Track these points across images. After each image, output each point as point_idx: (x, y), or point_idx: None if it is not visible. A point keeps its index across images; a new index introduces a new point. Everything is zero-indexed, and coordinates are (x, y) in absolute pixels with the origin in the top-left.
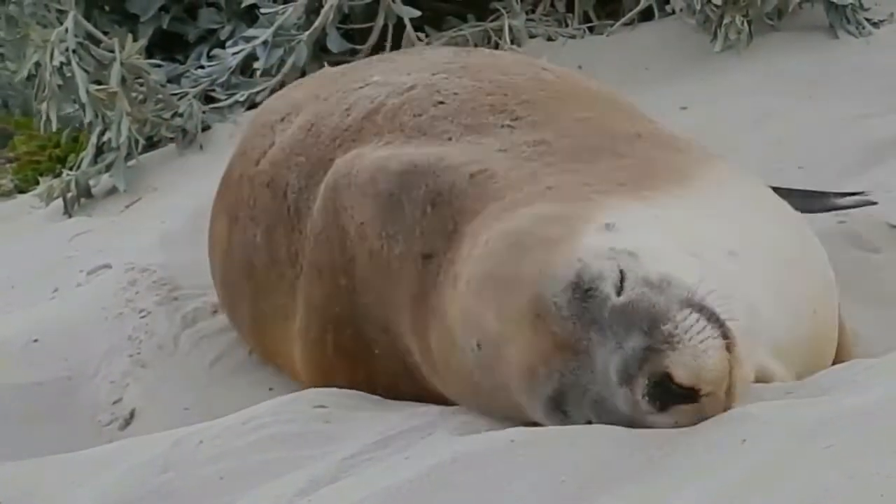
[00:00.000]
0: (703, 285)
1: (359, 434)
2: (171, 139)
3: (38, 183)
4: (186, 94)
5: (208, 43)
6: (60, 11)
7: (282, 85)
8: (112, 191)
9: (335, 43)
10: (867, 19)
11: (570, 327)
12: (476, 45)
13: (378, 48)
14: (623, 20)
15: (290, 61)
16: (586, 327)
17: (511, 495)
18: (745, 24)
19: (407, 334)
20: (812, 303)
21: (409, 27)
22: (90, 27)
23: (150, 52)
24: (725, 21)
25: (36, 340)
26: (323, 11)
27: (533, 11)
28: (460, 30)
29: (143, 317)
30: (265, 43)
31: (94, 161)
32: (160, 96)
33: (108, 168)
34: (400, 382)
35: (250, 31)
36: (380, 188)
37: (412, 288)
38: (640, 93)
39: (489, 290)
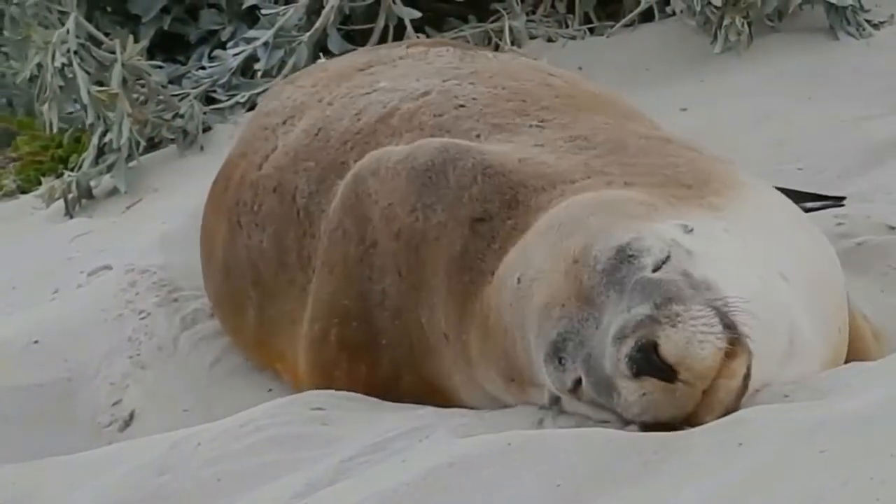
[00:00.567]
0: (745, 305)
1: (356, 436)
2: (172, 140)
3: (40, 183)
4: (187, 95)
5: (209, 44)
6: (62, 13)
7: None
8: (113, 192)
9: (336, 44)
10: (867, 21)
11: (597, 280)
12: (477, 46)
13: None
14: (623, 21)
15: (290, 62)
16: (609, 286)
17: (507, 498)
18: (746, 25)
19: (438, 305)
20: (837, 321)
21: (409, 28)
22: (91, 28)
23: (151, 52)
24: (725, 22)
25: (36, 342)
26: (324, 13)
27: (533, 12)
28: (461, 31)
29: (142, 318)
30: (266, 44)
31: (96, 162)
32: (161, 97)
33: (110, 169)
34: (403, 373)
35: (251, 33)
36: (418, 162)
37: (452, 253)
38: (641, 94)
39: (552, 232)
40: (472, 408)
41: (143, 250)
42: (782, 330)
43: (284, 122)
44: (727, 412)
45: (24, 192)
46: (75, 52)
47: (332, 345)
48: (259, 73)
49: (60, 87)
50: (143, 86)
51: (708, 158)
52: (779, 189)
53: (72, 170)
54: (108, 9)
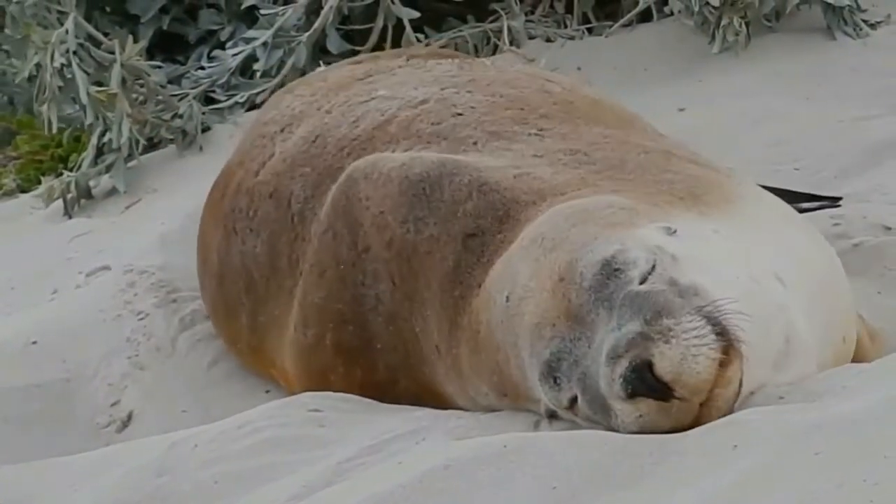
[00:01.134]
0: (734, 305)
1: (353, 438)
2: (171, 140)
3: (40, 182)
4: (186, 95)
5: (208, 44)
6: (61, 13)
7: (282, 86)
8: (112, 192)
9: (335, 44)
10: (864, 21)
11: (585, 298)
12: (475, 46)
13: (378, 49)
14: (622, 21)
15: (289, 62)
16: (598, 303)
17: (503, 501)
18: (743, 25)
19: (431, 317)
20: (841, 330)
21: (408, 28)
22: (90, 28)
23: (150, 53)
24: (723, 23)
25: (35, 342)
26: (323, 13)
27: (532, 12)
28: (460, 31)
29: (141, 319)
30: (265, 44)
31: (95, 162)
32: (160, 97)
33: (109, 169)
34: (399, 377)
35: (250, 33)
36: (413, 172)
37: (444, 267)
38: (639, 94)
39: (535, 247)
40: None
41: (141, 251)
42: (777, 330)
43: (282, 130)
44: (723, 416)
45: (23, 191)
46: (74, 53)
47: (328, 349)
48: (258, 74)
49: (59, 88)
50: (142, 86)
51: (707, 171)
52: (775, 189)
53: (71, 169)
54: (107, 9)
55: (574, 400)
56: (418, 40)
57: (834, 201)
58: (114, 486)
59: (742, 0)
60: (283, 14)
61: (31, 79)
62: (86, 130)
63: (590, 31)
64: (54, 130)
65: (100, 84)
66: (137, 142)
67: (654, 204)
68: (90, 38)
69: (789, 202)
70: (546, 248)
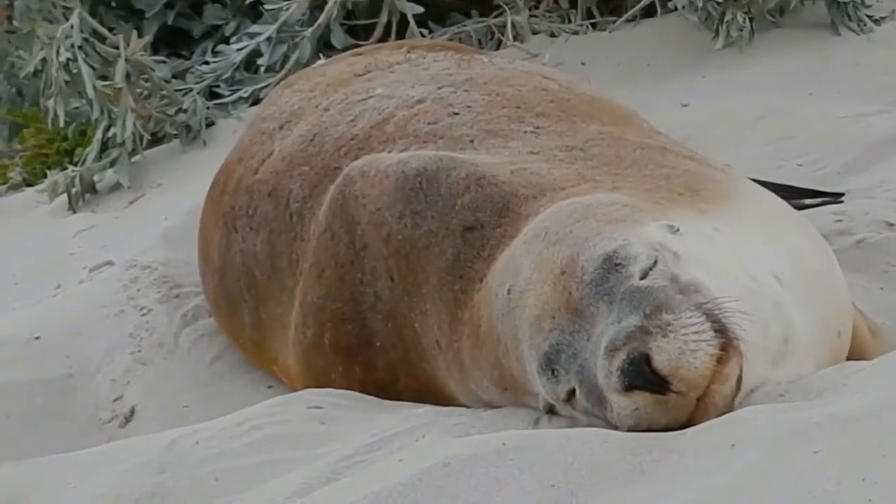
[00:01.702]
0: (735, 304)
1: (353, 435)
2: (176, 135)
3: (45, 176)
4: (191, 90)
5: (213, 39)
6: (66, 8)
7: None
8: (116, 186)
9: (339, 39)
10: (868, 16)
11: (585, 291)
12: (479, 41)
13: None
14: (625, 17)
15: (293, 57)
16: (598, 296)
17: (502, 499)
18: (747, 20)
19: (431, 312)
20: (837, 325)
21: (412, 23)
22: (95, 24)
23: (155, 47)
24: (727, 18)
25: (38, 338)
26: (327, 8)
27: (536, 7)
28: (463, 26)
29: (143, 314)
30: (269, 39)
31: (99, 157)
32: (164, 92)
33: (113, 164)
34: (399, 374)
35: (254, 28)
36: (409, 167)
37: (443, 261)
38: (642, 89)
39: (538, 241)
40: (469, 407)
41: (144, 246)
42: (776, 328)
43: (281, 127)
44: (721, 414)
45: (29, 184)
46: (79, 48)
47: (327, 348)
48: (262, 69)
49: (65, 83)
50: (146, 81)
51: (704, 167)
52: (778, 185)
53: (76, 164)
54: (112, 4)
55: (572, 393)
56: (422, 35)
57: (836, 197)
58: (114, 483)
59: None
60: (287, 9)
61: (36, 73)
62: (91, 125)
63: (593, 26)
64: (60, 125)
65: (105, 79)
66: (142, 137)
67: (655, 201)
68: (95, 33)
69: (792, 198)
70: (549, 242)
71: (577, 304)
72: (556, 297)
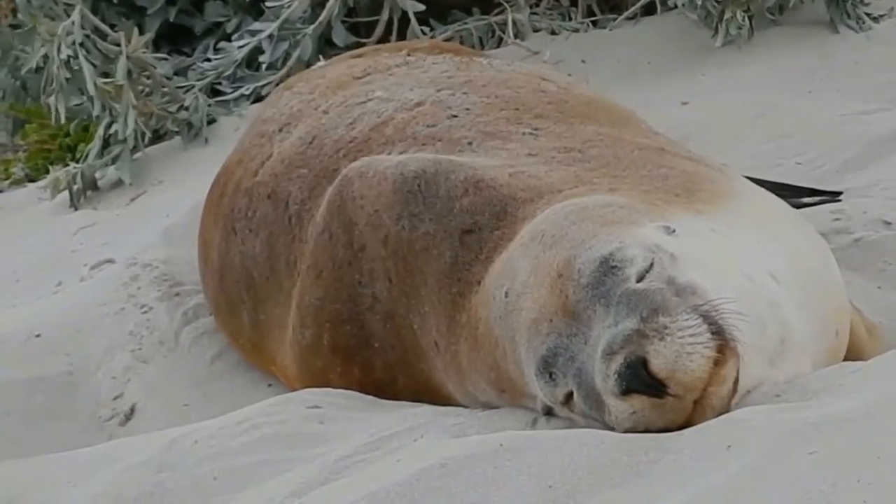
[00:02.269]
0: (731, 305)
1: (351, 435)
2: (177, 132)
3: (48, 172)
4: (192, 87)
5: (215, 36)
6: (68, 4)
7: (287, 78)
8: (118, 183)
9: (340, 36)
10: (867, 14)
11: (582, 294)
12: (481, 39)
13: (383, 42)
14: (626, 14)
15: (295, 55)
16: (595, 299)
17: (499, 499)
18: (746, 19)
19: (429, 314)
20: (835, 324)
21: (413, 21)
22: (97, 21)
23: (156, 44)
24: (726, 16)
25: (38, 335)
26: (328, 5)
27: (537, 5)
28: (465, 23)
29: (144, 312)
30: (271, 36)
31: (101, 154)
32: (166, 89)
33: (115, 161)
34: (397, 374)
35: (256, 25)
36: (408, 170)
37: (441, 264)
38: (642, 87)
39: (534, 244)
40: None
41: (145, 244)
42: (772, 329)
43: (281, 130)
44: (718, 415)
45: (32, 180)
46: (81, 45)
47: (325, 349)
48: (264, 66)
49: (66, 80)
50: (148, 78)
51: (701, 167)
52: (776, 184)
53: (79, 160)
54: (114, 0)
55: (570, 396)
56: (423, 33)
57: (834, 196)
58: (113, 482)
59: None
60: (288, 6)
61: (38, 70)
62: (93, 121)
63: (594, 24)
64: (62, 122)
65: (106, 76)
66: (143, 134)
67: (652, 203)
68: (96, 30)
69: (790, 197)
70: (545, 245)
71: (573, 307)
72: (553, 301)
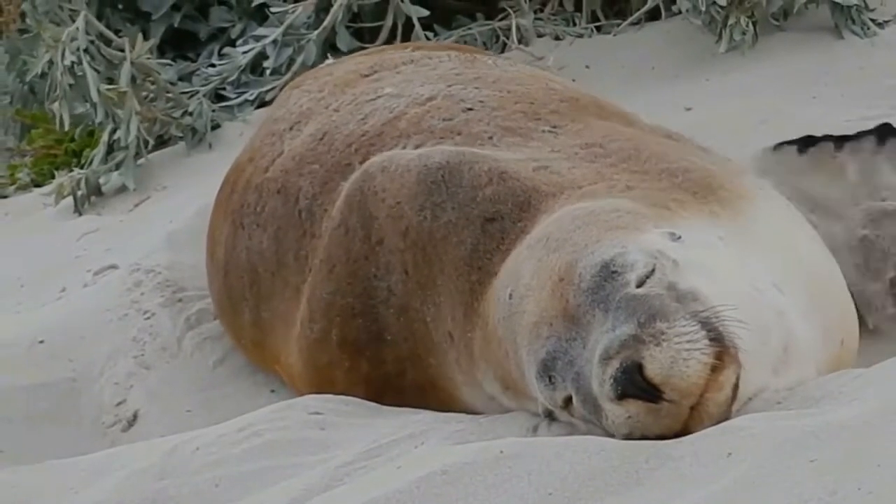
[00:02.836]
0: (733, 312)
1: (353, 442)
2: (181, 138)
3: (53, 177)
4: (196, 92)
5: (219, 41)
6: (73, 10)
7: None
8: (122, 189)
9: (345, 42)
10: (872, 20)
11: (582, 299)
12: (485, 44)
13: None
14: (630, 20)
15: (299, 60)
16: (595, 304)
17: None
18: (751, 24)
19: (445, 304)
20: (840, 334)
21: (417, 26)
22: (101, 27)
23: (161, 49)
24: (731, 22)
25: (42, 341)
26: (332, 10)
27: (541, 10)
28: (469, 28)
29: (147, 318)
30: (275, 42)
31: (105, 159)
32: (170, 95)
33: (119, 166)
34: (406, 368)
35: (260, 30)
36: (432, 161)
37: (461, 251)
38: (646, 92)
39: (539, 246)
40: (471, 407)
41: (149, 250)
42: (776, 337)
43: (291, 128)
44: (718, 422)
45: (37, 185)
46: (85, 51)
47: (333, 344)
48: (268, 71)
49: (70, 86)
50: (152, 83)
51: (720, 167)
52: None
53: (84, 165)
54: (119, 6)
55: (569, 399)
56: (427, 38)
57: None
58: (115, 489)
59: None
60: (293, 12)
61: (43, 75)
62: (97, 127)
63: (598, 29)
64: (66, 128)
65: (110, 81)
66: (147, 140)
67: (665, 206)
68: (101, 35)
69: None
70: (549, 249)
71: (573, 311)
72: (553, 304)
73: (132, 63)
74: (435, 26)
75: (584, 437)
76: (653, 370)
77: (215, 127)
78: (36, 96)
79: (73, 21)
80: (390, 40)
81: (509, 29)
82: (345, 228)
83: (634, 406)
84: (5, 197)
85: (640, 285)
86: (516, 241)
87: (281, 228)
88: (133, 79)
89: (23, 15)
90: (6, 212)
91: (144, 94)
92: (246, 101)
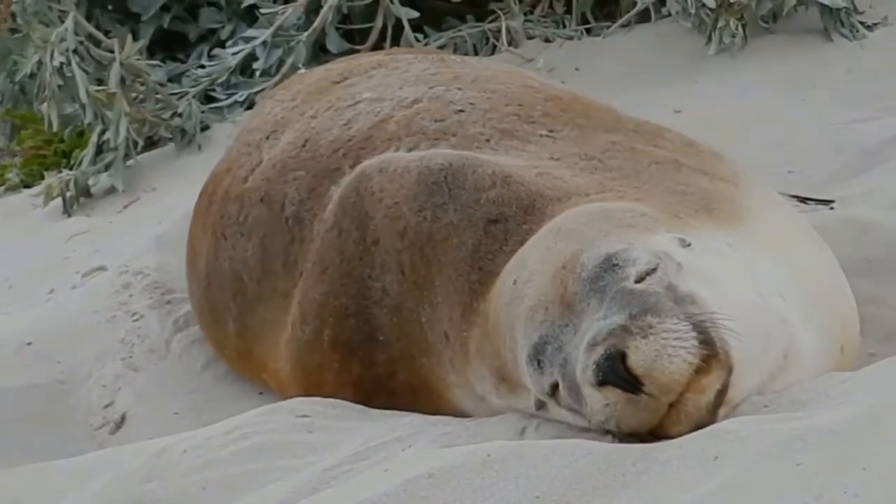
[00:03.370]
0: (731, 322)
1: (340, 445)
2: (170, 139)
3: (43, 177)
4: (186, 93)
5: (209, 42)
6: (62, 11)
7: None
8: (111, 190)
9: (334, 43)
10: (861, 22)
11: (580, 287)
12: (474, 46)
13: (377, 49)
14: (620, 22)
15: (289, 62)
16: (591, 293)
17: None
18: (740, 27)
19: (442, 304)
20: (840, 340)
21: (407, 28)
22: (90, 28)
23: (151, 50)
24: (720, 24)
25: (30, 343)
26: (322, 12)
27: (531, 12)
28: (459, 31)
29: (135, 320)
30: (265, 43)
31: (94, 160)
32: (159, 96)
33: (108, 168)
34: (398, 369)
35: (250, 32)
36: (434, 163)
37: (462, 252)
38: (635, 94)
39: (549, 236)
40: (461, 409)
41: (137, 251)
42: (777, 343)
43: (268, 137)
44: (700, 425)
45: (27, 186)
46: (74, 51)
47: (325, 345)
48: (258, 73)
49: (59, 87)
50: (141, 84)
51: (717, 183)
52: None
53: (73, 166)
54: (109, 7)
55: (556, 386)
56: (417, 40)
57: (827, 203)
58: (101, 492)
59: (739, 2)
60: (283, 13)
61: (32, 76)
62: (87, 128)
63: (588, 31)
64: (55, 129)
65: (100, 82)
66: (136, 141)
67: (675, 214)
68: (90, 36)
69: None
70: (558, 238)
71: (570, 298)
72: (552, 290)
73: (121, 64)
74: (425, 28)
75: (572, 441)
76: (635, 361)
77: (205, 128)
78: (26, 96)
79: (63, 22)
80: (380, 42)
81: (499, 31)
82: (338, 230)
83: (613, 394)
84: None
85: (639, 281)
86: (521, 243)
87: (267, 236)
88: (122, 80)
89: (14, 15)
90: None
91: (134, 95)
92: (235, 102)
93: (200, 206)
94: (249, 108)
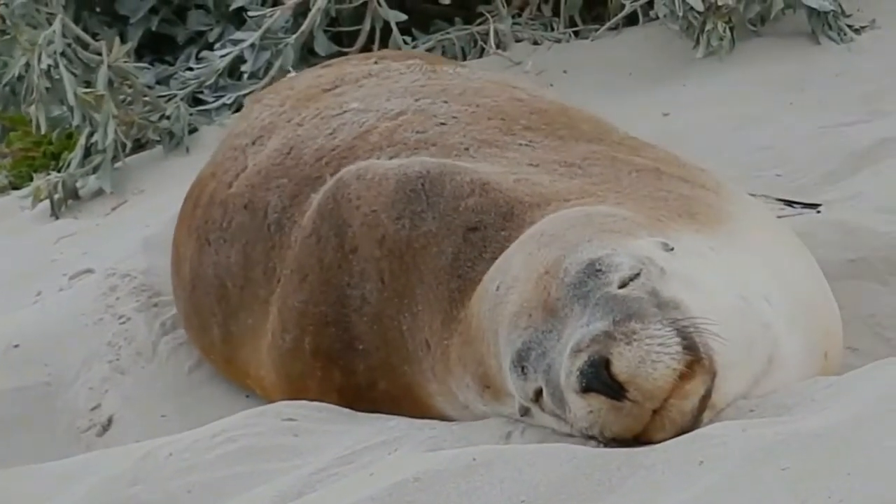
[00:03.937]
0: (714, 327)
1: (326, 448)
2: (158, 141)
3: (32, 179)
4: (174, 96)
5: (197, 45)
6: (50, 13)
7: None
8: (99, 192)
9: (322, 46)
10: (849, 26)
11: (563, 293)
12: (462, 49)
13: (365, 51)
14: (608, 25)
15: (277, 64)
16: (575, 299)
17: None
18: (728, 30)
19: (422, 312)
20: (824, 346)
21: (395, 31)
22: (78, 30)
23: (139, 53)
24: (708, 27)
25: (17, 346)
26: (310, 15)
27: (519, 15)
28: (447, 33)
29: (122, 323)
30: (253, 46)
31: (82, 163)
32: (147, 99)
33: (96, 170)
34: (378, 378)
35: (238, 34)
36: (412, 170)
37: (441, 261)
38: (623, 98)
39: (532, 241)
40: (445, 417)
41: (124, 254)
42: (761, 348)
43: (254, 143)
44: (684, 431)
45: (16, 188)
46: (61, 54)
47: (306, 353)
48: (246, 75)
49: (47, 89)
50: (129, 87)
51: (697, 190)
52: (756, 195)
53: (62, 168)
54: (97, 9)
55: (539, 392)
56: (405, 42)
57: (814, 207)
58: (87, 495)
59: (726, 5)
60: (270, 16)
61: (20, 78)
62: (75, 130)
63: (576, 34)
64: (42, 131)
65: (87, 85)
66: (124, 143)
67: (657, 219)
68: (78, 39)
69: (770, 207)
70: (541, 244)
71: (553, 304)
72: (535, 296)
73: (109, 66)
74: (413, 31)
75: (557, 445)
76: (619, 367)
77: (193, 131)
78: (16, 98)
79: (50, 24)
80: (368, 45)
81: (487, 34)
82: (317, 237)
83: (597, 401)
84: None
85: (622, 286)
86: (500, 250)
87: (249, 243)
88: (110, 82)
89: (1, 17)
90: None
91: (122, 97)
92: (224, 104)
93: (186, 209)
94: (237, 110)
